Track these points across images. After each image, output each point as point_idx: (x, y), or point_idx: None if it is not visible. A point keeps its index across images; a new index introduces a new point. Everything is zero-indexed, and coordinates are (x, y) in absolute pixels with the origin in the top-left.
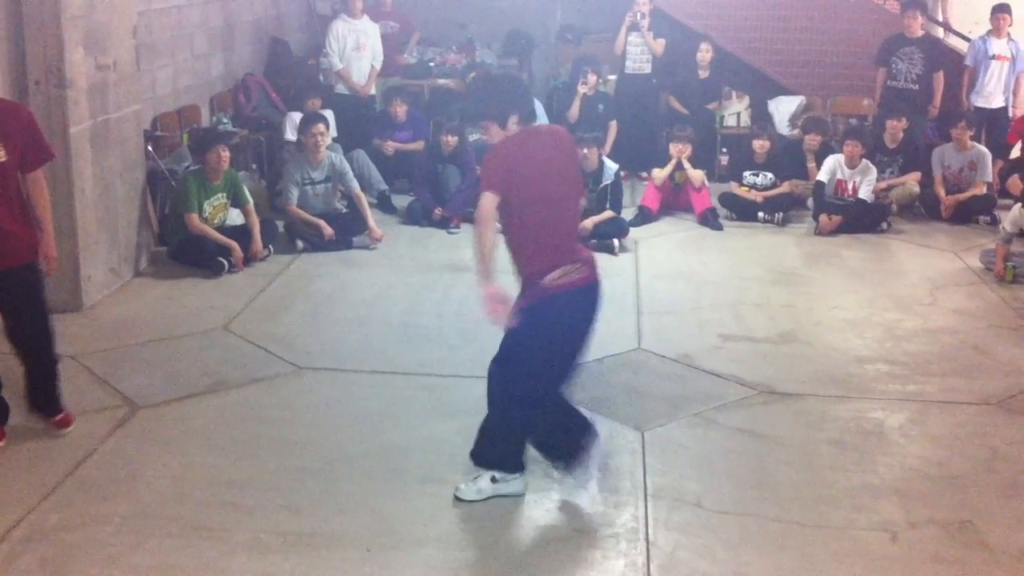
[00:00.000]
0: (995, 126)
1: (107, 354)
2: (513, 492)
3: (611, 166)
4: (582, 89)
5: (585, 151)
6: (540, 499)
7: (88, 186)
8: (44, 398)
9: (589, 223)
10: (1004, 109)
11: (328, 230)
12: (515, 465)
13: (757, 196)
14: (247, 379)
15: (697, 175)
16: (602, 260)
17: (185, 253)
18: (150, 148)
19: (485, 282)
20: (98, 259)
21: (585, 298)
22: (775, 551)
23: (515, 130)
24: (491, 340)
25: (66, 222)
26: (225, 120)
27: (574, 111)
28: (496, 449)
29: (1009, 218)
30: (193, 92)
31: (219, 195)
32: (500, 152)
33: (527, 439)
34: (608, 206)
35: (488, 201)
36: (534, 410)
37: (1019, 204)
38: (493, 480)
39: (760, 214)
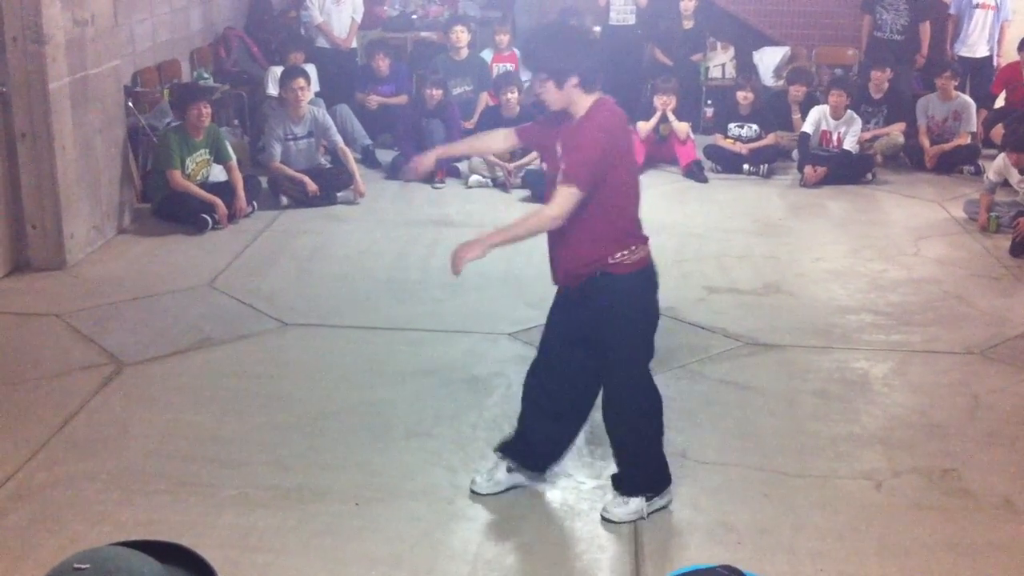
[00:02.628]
0: (979, 76)
1: (92, 312)
2: (662, 506)
3: None
4: None
5: None
6: None
7: (68, 143)
8: None
9: None
10: (988, 58)
11: (312, 186)
12: (667, 480)
13: (742, 148)
14: (232, 335)
15: (682, 127)
16: None
17: (168, 210)
18: (130, 104)
19: (499, 236)
20: (80, 217)
21: (653, 276)
22: (759, 500)
23: (574, 93)
24: (476, 294)
25: (47, 180)
26: (206, 75)
27: None
28: (645, 470)
29: (993, 168)
30: (173, 47)
31: (201, 151)
32: (605, 129)
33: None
34: None
35: (574, 201)
36: (657, 403)
37: (1003, 154)
38: (647, 499)
39: (745, 166)
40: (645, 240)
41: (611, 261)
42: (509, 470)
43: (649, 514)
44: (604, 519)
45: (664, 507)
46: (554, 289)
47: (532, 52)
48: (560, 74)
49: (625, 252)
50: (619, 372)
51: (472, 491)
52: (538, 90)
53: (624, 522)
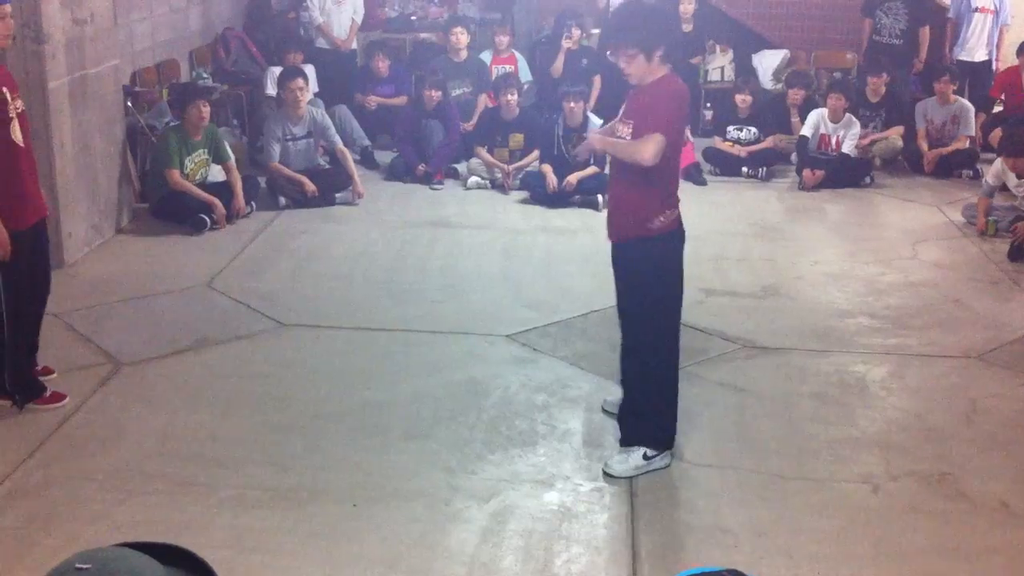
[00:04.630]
0: (978, 80)
1: (90, 311)
2: (662, 466)
3: (596, 121)
4: (566, 43)
5: (572, 105)
6: (524, 453)
7: (67, 142)
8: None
9: (573, 178)
10: (987, 62)
11: (310, 186)
12: (669, 440)
13: (741, 151)
14: (230, 336)
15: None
16: (586, 216)
17: (167, 210)
18: (129, 103)
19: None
20: (79, 216)
21: (683, 238)
22: (756, 503)
23: (658, 65)
24: (474, 296)
25: (46, 179)
26: (205, 75)
27: (558, 65)
28: (648, 424)
29: (991, 172)
30: (172, 46)
31: (200, 151)
32: (679, 98)
33: (675, 409)
34: (592, 161)
35: (662, 146)
36: (675, 368)
37: (1000, 158)
38: (645, 457)
39: (744, 169)
40: (678, 201)
41: (651, 226)
42: (645, 457)
43: (647, 472)
44: (605, 474)
45: (663, 467)
46: (552, 291)
47: (627, 27)
48: (652, 47)
49: (663, 216)
50: (636, 326)
51: (605, 472)
52: (625, 64)
53: (623, 476)
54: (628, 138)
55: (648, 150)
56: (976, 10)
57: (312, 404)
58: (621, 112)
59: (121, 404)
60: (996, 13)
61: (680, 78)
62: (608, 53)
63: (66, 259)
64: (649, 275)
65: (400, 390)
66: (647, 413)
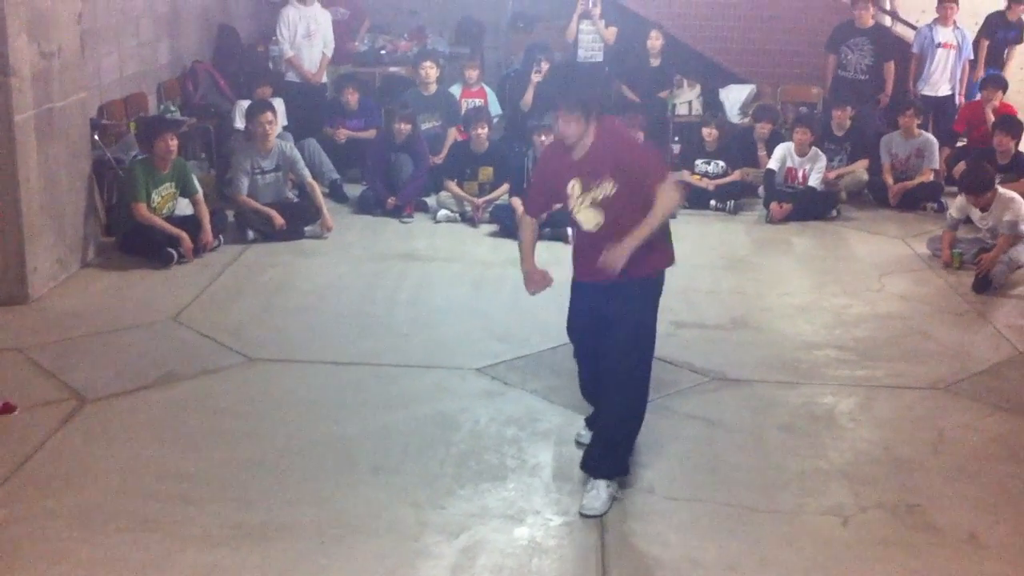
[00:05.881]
0: (942, 114)
1: (54, 346)
2: (617, 495)
3: None
4: (535, 77)
5: (542, 138)
6: (494, 487)
7: (33, 176)
8: None
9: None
10: (951, 97)
11: (279, 219)
12: (627, 467)
13: (709, 184)
14: (197, 371)
15: None
16: (556, 248)
17: (133, 243)
18: (96, 137)
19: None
20: (44, 250)
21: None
22: (726, 536)
23: (592, 123)
24: (443, 329)
25: (11, 213)
26: (173, 108)
27: (528, 99)
28: (620, 456)
29: (955, 205)
30: (140, 80)
31: (167, 184)
32: (633, 134)
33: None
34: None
35: (674, 181)
36: (645, 398)
37: (962, 193)
38: (611, 485)
39: (712, 202)
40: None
41: (661, 264)
42: (608, 487)
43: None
44: (585, 516)
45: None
46: (521, 324)
47: (573, 94)
48: (592, 110)
49: (670, 251)
50: (632, 360)
51: (585, 515)
52: (564, 127)
53: (603, 513)
54: (613, 192)
55: (674, 197)
56: (939, 46)
57: (279, 439)
58: (579, 186)
59: (86, 441)
60: (959, 49)
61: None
62: (558, 117)
63: (31, 293)
64: (652, 311)
65: (369, 424)
66: (622, 444)
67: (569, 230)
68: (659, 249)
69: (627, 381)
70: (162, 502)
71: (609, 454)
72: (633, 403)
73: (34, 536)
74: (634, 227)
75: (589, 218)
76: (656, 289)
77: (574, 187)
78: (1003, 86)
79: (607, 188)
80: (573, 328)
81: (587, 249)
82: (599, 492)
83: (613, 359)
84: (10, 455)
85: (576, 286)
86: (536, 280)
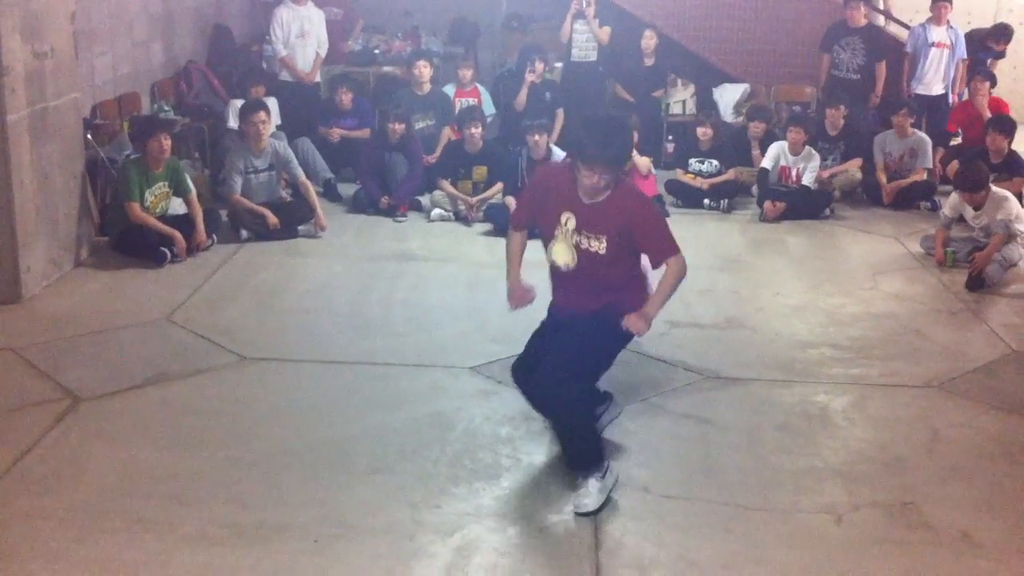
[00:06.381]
0: (935, 113)
1: (48, 346)
2: (615, 482)
3: (559, 154)
4: (530, 77)
5: (536, 138)
6: (489, 486)
7: (27, 176)
8: None
9: None
10: (944, 96)
11: (272, 219)
12: (601, 457)
13: (703, 183)
14: (191, 370)
15: (643, 162)
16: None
17: (127, 243)
18: (89, 136)
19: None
20: (38, 250)
21: None
22: (721, 535)
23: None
24: (438, 329)
25: (4, 213)
26: (166, 108)
27: (521, 99)
28: (586, 447)
29: (948, 204)
30: (133, 80)
31: (161, 184)
32: (649, 200)
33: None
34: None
35: (681, 253)
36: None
37: (957, 191)
38: (600, 479)
39: (706, 201)
40: None
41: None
42: (600, 479)
43: (608, 491)
44: (578, 514)
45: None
46: (516, 324)
47: (609, 151)
48: (623, 164)
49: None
50: (591, 363)
51: (581, 514)
52: (588, 179)
53: (595, 510)
54: (603, 251)
55: (682, 272)
56: (933, 45)
57: (274, 439)
58: (572, 223)
59: (79, 440)
60: (952, 48)
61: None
62: (584, 167)
63: (24, 293)
64: (619, 340)
65: (363, 424)
66: (589, 436)
67: None
68: (645, 291)
69: (573, 378)
70: (156, 502)
71: (573, 447)
72: (583, 399)
73: (28, 536)
74: (604, 276)
75: (562, 253)
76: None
77: (568, 220)
78: (989, 78)
79: (598, 244)
80: (537, 334)
81: (561, 281)
82: (588, 489)
83: (567, 359)
84: (4, 455)
85: (553, 309)
86: (518, 296)
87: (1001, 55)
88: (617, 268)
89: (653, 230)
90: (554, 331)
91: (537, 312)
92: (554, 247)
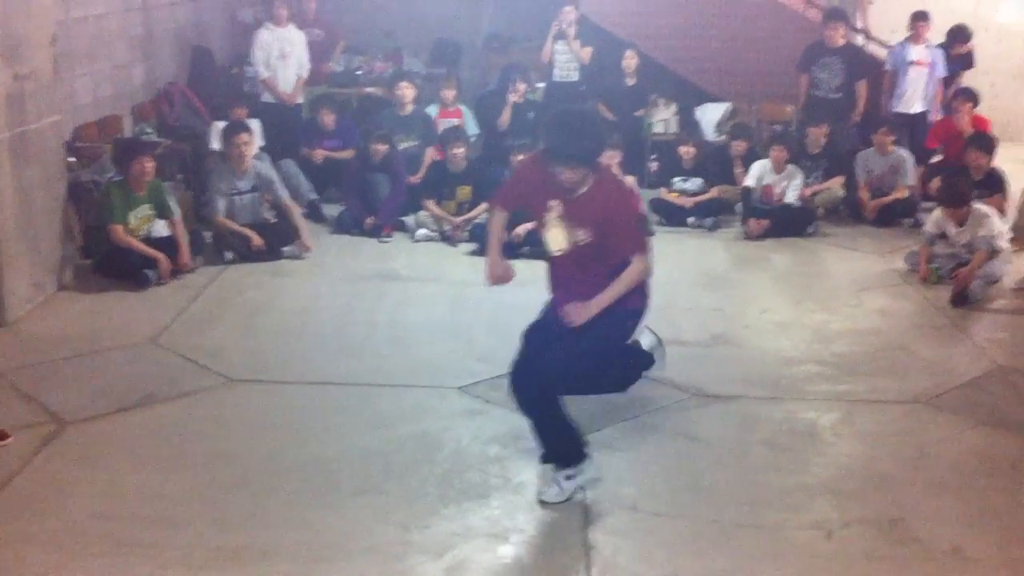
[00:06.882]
0: (916, 131)
1: (32, 369)
2: (590, 478)
3: None
4: (512, 97)
5: (519, 157)
6: (478, 506)
7: (8, 199)
8: None
9: (521, 230)
10: (924, 114)
11: (257, 240)
12: (581, 455)
13: (687, 201)
14: (176, 393)
15: (627, 181)
16: (535, 266)
17: (110, 265)
18: (72, 159)
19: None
20: (20, 273)
21: None
22: (711, 552)
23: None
24: (423, 349)
25: None
26: (148, 130)
27: (505, 118)
28: (563, 446)
29: (931, 220)
30: (114, 102)
31: (144, 206)
32: (633, 195)
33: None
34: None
35: (648, 252)
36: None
37: (940, 207)
38: (568, 478)
39: (690, 219)
40: None
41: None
42: (568, 478)
43: (576, 489)
44: (542, 502)
45: (592, 480)
46: (502, 343)
47: (577, 147)
48: (594, 162)
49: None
50: (576, 362)
51: (541, 501)
52: (568, 175)
53: (558, 501)
54: (589, 240)
55: (644, 271)
56: (912, 63)
57: (260, 460)
58: (558, 212)
59: (65, 464)
60: (931, 66)
61: (607, 167)
62: (554, 165)
63: (7, 317)
64: (613, 338)
65: (350, 445)
66: (560, 432)
67: None
68: (637, 292)
69: (547, 371)
70: (142, 525)
71: (544, 442)
72: (557, 393)
73: (14, 560)
74: (592, 268)
75: (556, 239)
76: (623, 325)
77: (552, 208)
78: (972, 98)
79: (581, 235)
80: (531, 328)
81: (556, 273)
82: (557, 483)
83: (548, 351)
84: None
85: (549, 308)
86: (498, 273)
87: (969, 63)
88: (606, 263)
89: (623, 223)
90: (545, 328)
91: (521, 326)
92: (546, 236)
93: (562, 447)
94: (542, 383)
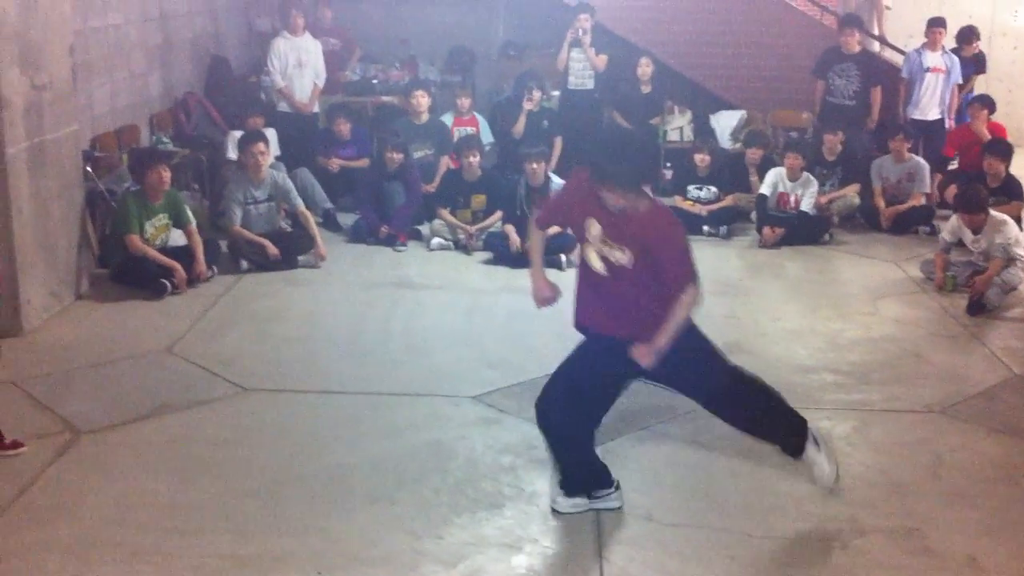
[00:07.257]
0: (932, 138)
1: (48, 379)
2: (612, 507)
3: (557, 181)
4: (527, 105)
5: (534, 166)
6: (491, 516)
7: (26, 208)
8: None
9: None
10: (940, 121)
11: (272, 249)
12: (608, 480)
13: (701, 209)
14: (191, 402)
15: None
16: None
17: (126, 275)
18: (89, 169)
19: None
20: (37, 282)
21: None
22: (725, 562)
23: (643, 191)
24: (437, 357)
25: (4, 246)
26: (165, 139)
27: (519, 127)
28: (580, 473)
29: (947, 228)
30: (132, 111)
31: (160, 215)
32: (681, 229)
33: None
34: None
35: (696, 287)
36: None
37: (956, 214)
38: (590, 496)
39: (705, 227)
40: None
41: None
42: (590, 496)
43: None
44: (553, 509)
45: (613, 509)
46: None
47: (627, 171)
48: (641, 183)
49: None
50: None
51: (553, 509)
52: (613, 200)
53: (564, 511)
54: (629, 264)
55: (692, 306)
56: (928, 70)
57: (274, 469)
58: (597, 230)
59: (80, 473)
60: (948, 73)
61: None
62: (598, 186)
63: (24, 326)
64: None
65: (363, 453)
66: (578, 460)
67: (563, 256)
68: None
69: (558, 400)
70: (157, 534)
71: (562, 468)
72: (558, 416)
73: (30, 569)
74: (627, 299)
75: (594, 257)
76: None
77: (592, 226)
78: (988, 105)
79: (622, 256)
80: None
81: (586, 290)
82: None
83: (566, 377)
84: (7, 488)
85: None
86: (545, 295)
87: (982, 66)
88: (645, 290)
89: (672, 253)
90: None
91: (537, 339)
92: (587, 252)
93: (574, 476)
94: (560, 411)
